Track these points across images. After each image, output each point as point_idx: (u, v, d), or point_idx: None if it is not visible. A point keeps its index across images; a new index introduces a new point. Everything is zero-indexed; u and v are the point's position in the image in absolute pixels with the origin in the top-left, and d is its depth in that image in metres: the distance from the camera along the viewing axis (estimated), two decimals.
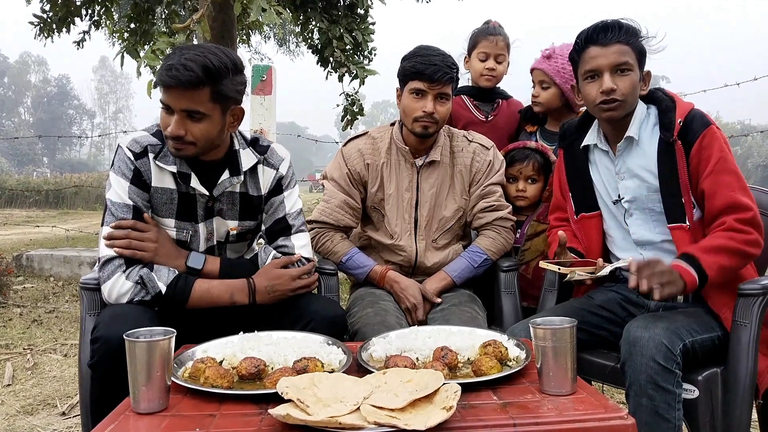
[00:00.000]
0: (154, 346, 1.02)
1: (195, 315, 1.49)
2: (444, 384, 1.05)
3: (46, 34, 4.92)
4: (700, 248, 1.46)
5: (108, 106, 72.48)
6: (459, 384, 1.06)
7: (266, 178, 1.62)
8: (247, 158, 1.59)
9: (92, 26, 5.11)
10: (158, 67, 1.39)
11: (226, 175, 1.55)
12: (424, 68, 1.79)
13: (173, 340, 1.06)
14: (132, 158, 1.48)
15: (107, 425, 0.99)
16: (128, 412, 1.04)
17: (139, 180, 1.49)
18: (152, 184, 1.51)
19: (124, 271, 1.43)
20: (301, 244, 1.63)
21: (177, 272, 1.48)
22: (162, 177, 1.51)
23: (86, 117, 65.57)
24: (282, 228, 1.63)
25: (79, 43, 5.16)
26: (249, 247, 1.77)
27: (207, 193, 1.54)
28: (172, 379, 1.08)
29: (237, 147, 1.57)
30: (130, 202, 1.48)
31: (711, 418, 1.42)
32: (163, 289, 1.44)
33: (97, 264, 1.49)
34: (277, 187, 1.63)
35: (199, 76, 1.37)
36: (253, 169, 1.60)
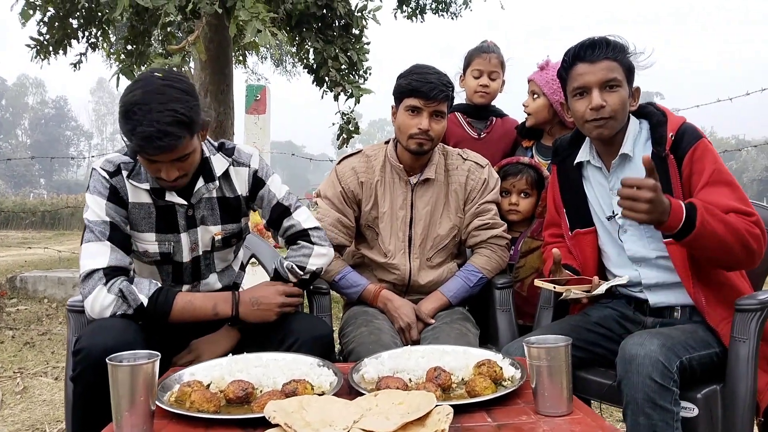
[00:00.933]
0: (138, 370, 1.00)
1: (182, 333, 1.47)
2: (436, 406, 1.03)
3: (42, 57, 4.94)
4: (705, 205, 1.38)
5: (105, 127, 72.83)
6: (452, 406, 1.04)
7: (240, 178, 1.63)
8: (219, 163, 1.59)
9: (89, 48, 5.13)
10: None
11: (201, 182, 1.56)
12: (420, 86, 1.79)
13: (157, 363, 1.04)
14: (107, 177, 1.50)
15: None
16: None
17: (116, 197, 1.50)
18: (129, 200, 1.51)
19: (105, 284, 1.42)
20: (303, 218, 1.67)
21: (159, 284, 1.47)
22: (138, 193, 1.52)
23: (84, 138, 65.84)
24: (281, 212, 1.66)
25: (76, 65, 5.17)
26: (236, 254, 1.76)
27: (185, 203, 1.54)
28: (157, 403, 1.06)
29: (207, 154, 1.58)
30: (108, 219, 1.48)
31: None
32: (145, 302, 1.42)
33: (79, 281, 1.48)
34: (257, 182, 1.64)
35: (179, 136, 1.35)
36: (225, 172, 1.61)
